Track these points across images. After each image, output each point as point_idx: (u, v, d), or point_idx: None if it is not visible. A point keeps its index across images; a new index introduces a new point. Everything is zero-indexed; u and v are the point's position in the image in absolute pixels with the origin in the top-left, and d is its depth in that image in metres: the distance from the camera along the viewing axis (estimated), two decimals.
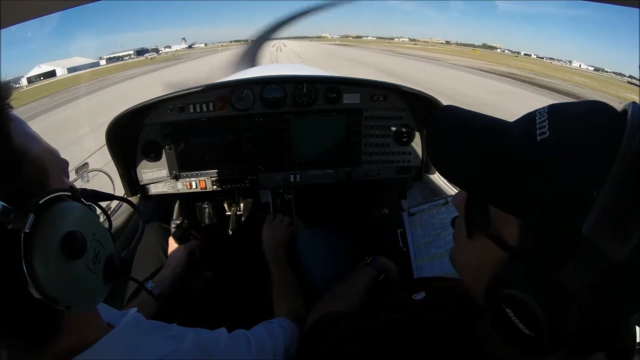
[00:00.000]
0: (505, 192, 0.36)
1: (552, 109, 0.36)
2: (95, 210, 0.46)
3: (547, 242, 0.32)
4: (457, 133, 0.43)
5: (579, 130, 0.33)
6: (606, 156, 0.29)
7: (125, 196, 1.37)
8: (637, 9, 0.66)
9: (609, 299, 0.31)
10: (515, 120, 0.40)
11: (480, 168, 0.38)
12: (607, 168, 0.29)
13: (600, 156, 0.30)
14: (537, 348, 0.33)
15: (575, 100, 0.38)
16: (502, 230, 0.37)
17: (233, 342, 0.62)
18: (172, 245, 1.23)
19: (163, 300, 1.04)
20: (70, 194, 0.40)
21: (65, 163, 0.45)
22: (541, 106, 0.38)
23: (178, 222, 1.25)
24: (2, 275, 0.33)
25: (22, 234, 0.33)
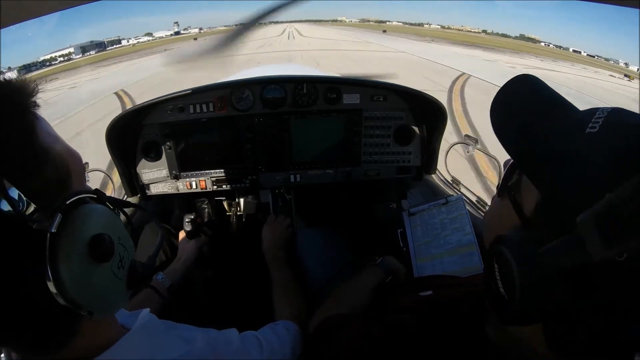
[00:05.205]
0: (539, 166, 0.37)
1: (614, 111, 0.36)
2: (119, 215, 0.46)
3: (550, 220, 0.35)
4: (525, 102, 0.44)
5: (622, 138, 0.33)
6: (634, 171, 0.29)
7: (126, 196, 1.37)
8: (637, 9, 0.66)
9: (590, 302, 0.32)
10: (583, 110, 0.41)
11: (531, 138, 0.40)
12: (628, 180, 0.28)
13: (629, 169, 0.30)
14: (506, 311, 0.35)
15: None
16: (524, 199, 0.40)
17: (245, 343, 0.62)
18: (184, 239, 1.24)
19: (171, 294, 1.05)
20: (95, 196, 0.40)
21: (84, 168, 0.45)
22: None
23: (192, 217, 1.25)
24: (24, 278, 0.32)
25: (48, 234, 0.32)
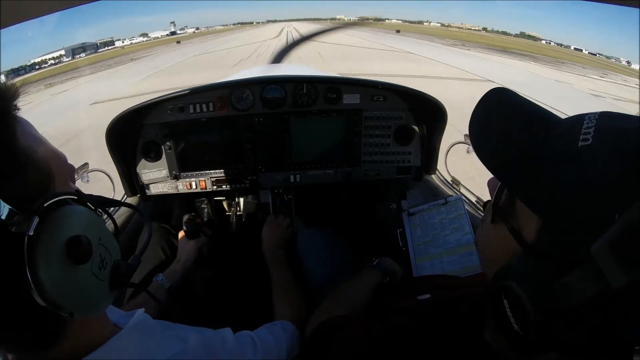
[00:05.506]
0: (534, 189, 0.35)
1: (602, 117, 0.35)
2: (102, 215, 0.45)
3: (559, 249, 0.32)
4: (504, 113, 0.42)
5: (620, 147, 0.31)
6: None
7: (125, 196, 1.37)
8: (637, 9, 0.67)
9: (604, 320, 0.31)
10: (566, 118, 0.39)
11: (517, 157, 0.37)
12: (638, 196, 0.27)
13: (635, 182, 0.29)
14: (522, 345, 0.34)
15: (630, 115, 0.35)
16: (523, 225, 0.37)
17: (239, 343, 0.62)
18: (183, 240, 1.23)
19: (171, 295, 1.05)
20: (76, 197, 0.40)
21: (71, 169, 0.44)
22: None
23: (191, 217, 1.24)
24: (4, 280, 0.33)
25: (26, 237, 0.32)
